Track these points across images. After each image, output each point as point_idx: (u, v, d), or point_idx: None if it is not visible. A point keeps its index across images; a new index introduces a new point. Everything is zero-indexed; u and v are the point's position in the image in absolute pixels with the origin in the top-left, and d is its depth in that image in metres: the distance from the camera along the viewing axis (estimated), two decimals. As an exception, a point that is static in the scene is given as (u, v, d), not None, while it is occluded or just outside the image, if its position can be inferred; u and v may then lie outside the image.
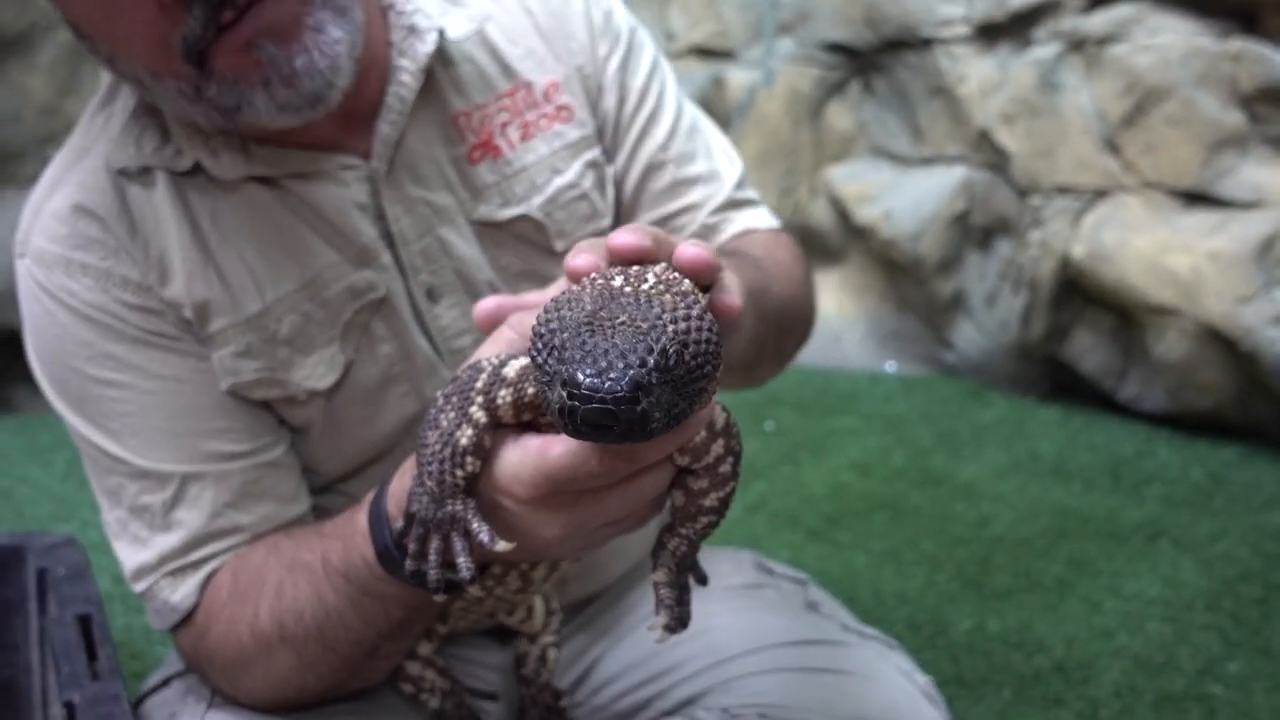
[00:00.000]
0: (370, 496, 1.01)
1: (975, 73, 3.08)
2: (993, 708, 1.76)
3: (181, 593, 1.12)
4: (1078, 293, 2.95)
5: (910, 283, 3.30)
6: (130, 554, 1.14)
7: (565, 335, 0.73)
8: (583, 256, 0.83)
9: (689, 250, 0.84)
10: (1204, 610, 2.01)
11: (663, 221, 1.27)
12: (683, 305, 0.75)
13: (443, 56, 1.17)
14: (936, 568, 2.19)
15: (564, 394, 0.70)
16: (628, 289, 0.76)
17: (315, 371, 1.14)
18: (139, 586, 1.14)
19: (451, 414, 0.84)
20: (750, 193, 1.33)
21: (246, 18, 0.98)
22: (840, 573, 2.17)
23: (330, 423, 1.17)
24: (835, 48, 3.41)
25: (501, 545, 0.86)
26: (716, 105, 3.54)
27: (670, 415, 0.73)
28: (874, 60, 3.36)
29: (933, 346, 3.33)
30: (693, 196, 1.27)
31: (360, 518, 1.00)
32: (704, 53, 3.61)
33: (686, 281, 0.80)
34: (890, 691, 1.18)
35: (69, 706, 1.00)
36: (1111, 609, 2.02)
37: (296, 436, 1.18)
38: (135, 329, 1.11)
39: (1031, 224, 2.99)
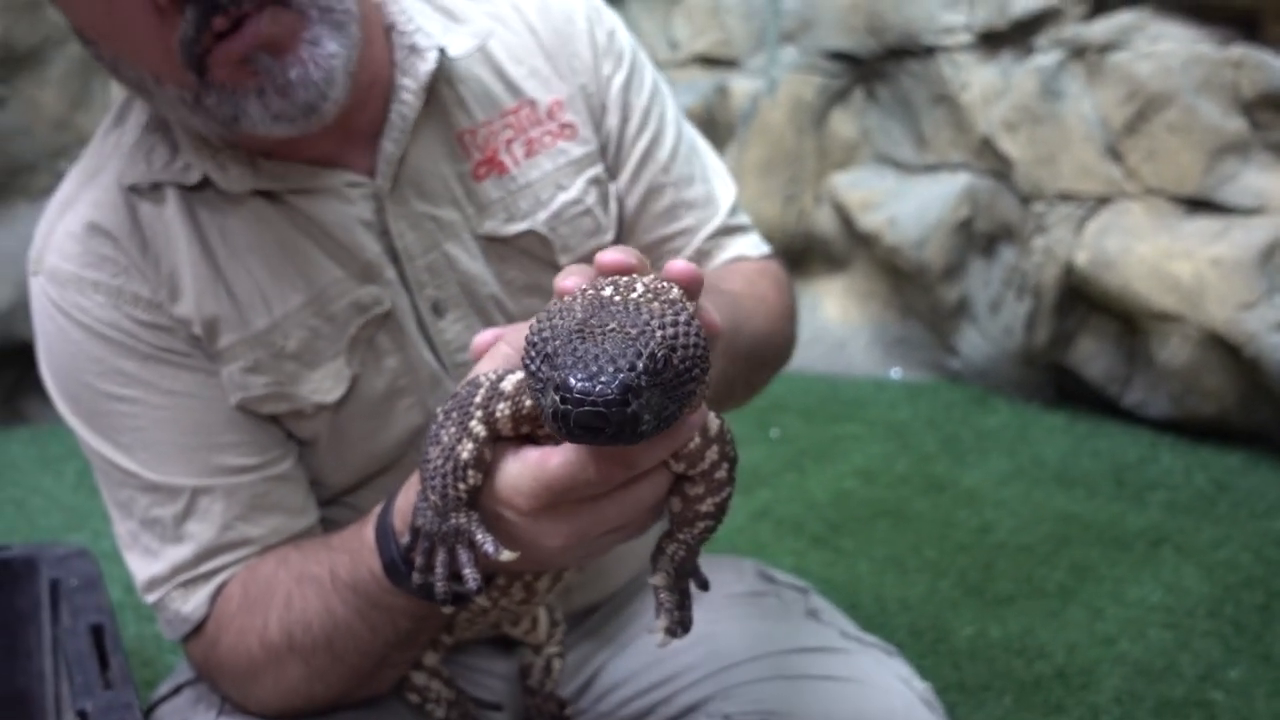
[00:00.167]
0: (376, 511, 1.02)
1: (978, 80, 3.09)
2: (994, 714, 1.77)
3: (192, 604, 1.14)
4: (1081, 299, 2.95)
5: (914, 289, 3.31)
6: (142, 566, 1.16)
7: (557, 343, 0.75)
8: (571, 278, 0.85)
9: (679, 264, 0.86)
10: (1206, 617, 2.02)
11: (659, 244, 1.29)
12: (670, 312, 0.77)
13: (446, 74, 1.18)
14: (939, 574, 2.20)
15: (557, 399, 0.72)
16: (617, 298, 0.78)
17: (322, 385, 1.16)
18: (151, 598, 1.16)
19: (452, 429, 0.86)
20: (743, 218, 1.34)
21: (243, 31, 0.99)
22: (843, 579, 2.18)
23: (337, 435, 1.18)
24: (838, 56, 3.42)
25: (506, 554, 0.87)
26: (720, 114, 3.55)
27: (660, 418, 0.75)
28: (877, 68, 3.37)
29: (937, 353, 3.33)
30: (689, 220, 1.29)
31: (367, 532, 1.02)
32: (708, 62, 3.62)
33: (675, 289, 0.82)
34: (888, 698, 1.19)
35: (82, 715, 1.01)
36: (1113, 615, 2.03)
37: (304, 449, 1.19)
38: (146, 345, 1.13)
39: (1035, 231, 2.99)
